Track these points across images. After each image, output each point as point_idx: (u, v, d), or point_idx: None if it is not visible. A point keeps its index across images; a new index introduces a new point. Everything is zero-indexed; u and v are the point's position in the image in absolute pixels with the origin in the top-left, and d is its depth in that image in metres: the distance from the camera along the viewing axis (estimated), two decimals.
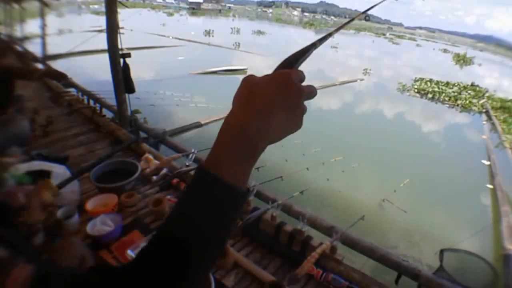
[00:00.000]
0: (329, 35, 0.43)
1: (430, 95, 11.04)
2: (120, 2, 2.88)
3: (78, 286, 0.35)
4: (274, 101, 0.36)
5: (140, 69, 7.86)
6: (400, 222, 3.63)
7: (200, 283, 0.37)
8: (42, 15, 6.77)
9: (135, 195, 1.86)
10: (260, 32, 28.11)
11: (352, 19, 0.50)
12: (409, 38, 58.24)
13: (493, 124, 8.65)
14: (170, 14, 44.85)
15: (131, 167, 2.03)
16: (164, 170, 2.20)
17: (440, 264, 1.94)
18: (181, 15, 47.99)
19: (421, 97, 10.89)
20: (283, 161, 4.18)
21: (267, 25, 46.37)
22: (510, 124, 8.42)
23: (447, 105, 10.44)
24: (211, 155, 0.36)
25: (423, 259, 2.98)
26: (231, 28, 27.89)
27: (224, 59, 12.49)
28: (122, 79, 2.94)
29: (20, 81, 2.34)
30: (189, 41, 16.37)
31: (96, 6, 36.58)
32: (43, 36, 6.65)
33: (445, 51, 36.18)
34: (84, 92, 3.97)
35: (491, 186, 4.85)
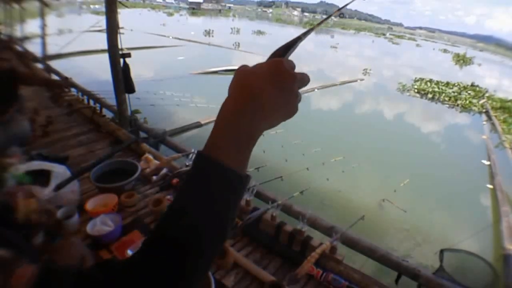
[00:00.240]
0: (311, 29, 0.46)
1: (430, 95, 11.03)
2: (120, 2, 2.88)
3: (82, 283, 0.35)
4: (268, 86, 0.36)
5: (140, 69, 7.86)
6: (400, 222, 3.63)
7: (200, 279, 0.36)
8: (42, 15, 6.76)
9: (135, 195, 1.86)
10: (260, 32, 28.11)
11: (329, 16, 0.54)
12: (409, 38, 58.24)
13: (493, 124, 8.64)
14: (170, 14, 44.87)
15: (131, 167, 2.03)
16: (164, 170, 2.21)
17: (440, 264, 1.93)
18: (181, 15, 48.00)
19: (421, 97, 10.88)
20: (283, 161, 4.18)
21: (267, 25, 46.36)
22: (510, 124, 8.41)
23: (447, 105, 10.43)
24: (209, 142, 0.37)
25: (423, 259, 2.98)
26: (231, 28, 27.89)
27: (224, 59, 12.48)
28: (122, 79, 2.94)
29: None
30: (189, 41, 16.36)
31: (96, 6, 36.61)
32: (43, 36, 6.64)
33: (445, 51, 36.17)
34: (84, 92, 3.97)
35: (491, 186, 4.85)
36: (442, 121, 9.12)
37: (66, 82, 2.78)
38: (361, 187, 4.35)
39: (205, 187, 0.35)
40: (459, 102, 10.52)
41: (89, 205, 1.65)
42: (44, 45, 6.61)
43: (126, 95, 3.07)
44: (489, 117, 9.28)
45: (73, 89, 4.01)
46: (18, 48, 6.58)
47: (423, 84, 12.23)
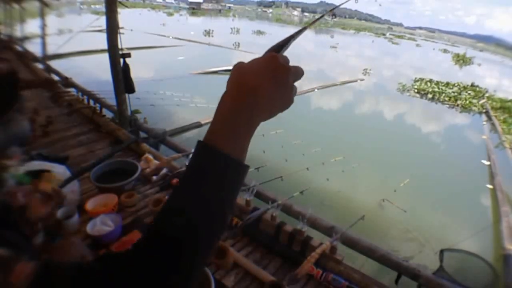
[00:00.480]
0: (304, 28, 0.48)
1: (430, 95, 11.03)
2: (120, 2, 2.88)
3: (82, 277, 0.35)
4: (264, 81, 0.38)
5: (140, 69, 7.85)
6: (400, 222, 3.62)
7: (198, 272, 0.37)
8: (42, 15, 6.76)
9: (135, 195, 1.86)
10: (260, 32, 28.10)
11: (322, 16, 0.58)
12: (409, 38, 58.21)
13: (493, 124, 8.64)
14: (170, 14, 44.89)
15: (131, 167, 2.03)
16: (164, 170, 2.21)
17: (440, 264, 1.94)
18: (181, 15, 48.01)
19: (421, 97, 10.88)
20: (283, 161, 4.17)
21: (267, 25, 46.32)
22: (510, 124, 8.41)
23: (447, 105, 10.42)
24: (209, 133, 0.38)
25: (423, 259, 2.98)
26: (231, 28, 27.87)
27: (224, 59, 12.47)
28: (122, 79, 2.94)
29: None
30: (189, 41, 16.36)
31: (96, 6, 36.60)
32: (43, 36, 6.64)
33: (445, 51, 36.14)
34: (84, 92, 3.97)
35: (491, 186, 4.85)
36: (442, 121, 9.12)
37: (66, 82, 2.78)
38: (361, 187, 4.35)
39: (205, 174, 0.36)
40: (459, 102, 10.52)
41: (89, 205, 1.65)
42: (44, 45, 6.61)
43: (126, 95, 3.07)
44: (489, 117, 9.28)
45: (73, 89, 4.02)
46: (18, 48, 6.59)
47: (423, 84, 12.23)
